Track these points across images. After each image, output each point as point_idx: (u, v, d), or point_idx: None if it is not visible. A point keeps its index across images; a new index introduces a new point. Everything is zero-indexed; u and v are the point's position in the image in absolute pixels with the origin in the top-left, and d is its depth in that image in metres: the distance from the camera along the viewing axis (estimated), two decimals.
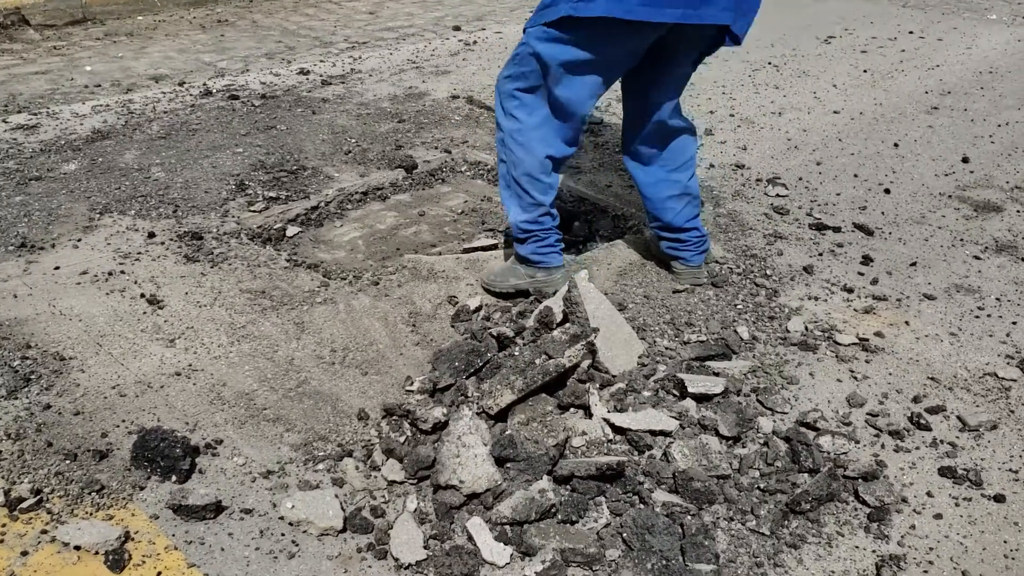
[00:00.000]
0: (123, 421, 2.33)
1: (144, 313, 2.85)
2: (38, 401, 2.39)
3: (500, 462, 2.13)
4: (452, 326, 2.85)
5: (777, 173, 4.14)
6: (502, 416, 2.29)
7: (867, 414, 2.52)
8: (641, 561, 1.97)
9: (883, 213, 3.78)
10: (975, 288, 3.20)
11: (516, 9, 7.63)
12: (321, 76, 5.43)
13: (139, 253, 3.22)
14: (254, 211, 3.61)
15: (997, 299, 3.14)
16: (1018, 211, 3.83)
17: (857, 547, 2.06)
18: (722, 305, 3.01)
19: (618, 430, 2.27)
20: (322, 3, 7.88)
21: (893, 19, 7.17)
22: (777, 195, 3.90)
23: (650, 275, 3.18)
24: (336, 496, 2.10)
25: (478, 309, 2.92)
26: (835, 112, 4.96)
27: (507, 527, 2.02)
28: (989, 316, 3.04)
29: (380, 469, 2.20)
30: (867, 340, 2.86)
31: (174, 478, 2.14)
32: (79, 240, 3.30)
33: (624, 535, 2.02)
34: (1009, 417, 2.52)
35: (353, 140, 4.39)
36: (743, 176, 4.12)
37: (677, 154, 2.98)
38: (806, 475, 2.23)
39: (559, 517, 2.05)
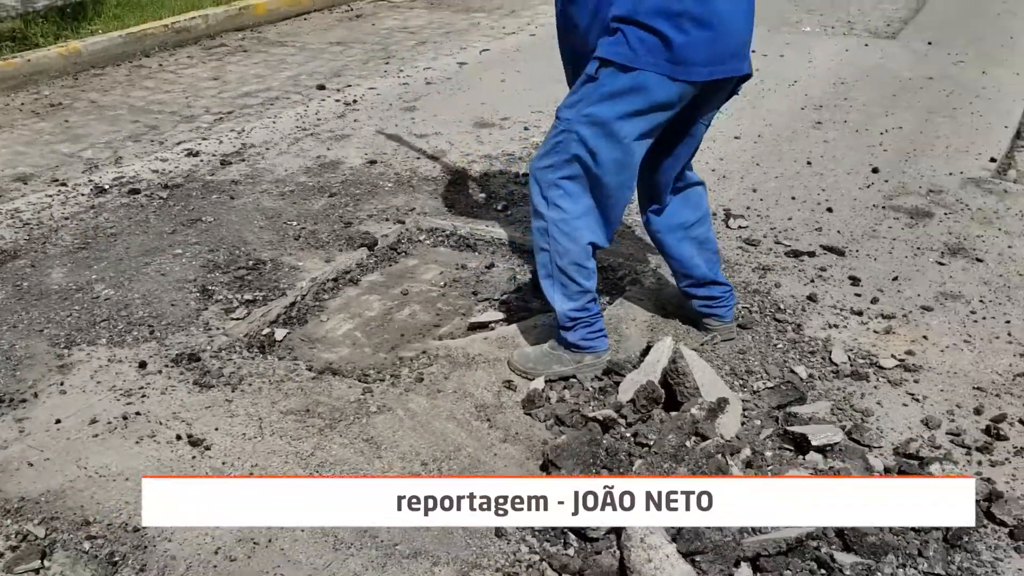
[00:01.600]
0: None
1: (194, 457, 2.55)
2: None
3: (687, 556, 2.08)
4: (527, 414, 2.75)
5: (723, 205, 4.29)
6: None
7: (947, 433, 2.67)
8: None
9: (839, 232, 4.01)
10: (958, 294, 3.47)
11: (368, 62, 7.46)
12: (214, 155, 5.07)
13: (141, 388, 2.88)
14: (237, 319, 3.33)
15: (980, 301, 3.42)
16: (946, 213, 4.18)
17: (1020, 569, 2.18)
18: (766, 347, 3.09)
19: None
20: (156, 74, 7.37)
21: None
22: (739, 227, 4.05)
23: (680, 327, 3.21)
24: None
25: (542, 391, 2.83)
26: (736, 138, 5.21)
27: None
28: (984, 319, 3.30)
29: None
30: (904, 360, 3.03)
31: None
32: (62, 383, 2.91)
33: None
34: None
35: (294, 223, 4.14)
36: None
37: (695, 207, 3.03)
38: None
39: None
